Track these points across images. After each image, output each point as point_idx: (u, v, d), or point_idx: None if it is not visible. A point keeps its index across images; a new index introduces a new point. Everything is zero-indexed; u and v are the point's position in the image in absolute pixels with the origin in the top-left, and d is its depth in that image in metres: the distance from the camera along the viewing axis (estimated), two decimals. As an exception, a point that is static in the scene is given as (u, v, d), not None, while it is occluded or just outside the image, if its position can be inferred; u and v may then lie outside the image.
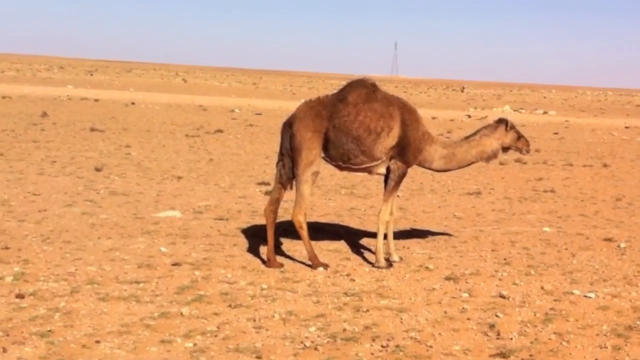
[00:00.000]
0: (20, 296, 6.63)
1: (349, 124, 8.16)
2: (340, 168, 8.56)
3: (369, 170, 8.53)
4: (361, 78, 8.66)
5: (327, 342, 5.94)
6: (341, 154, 8.27)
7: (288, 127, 8.33)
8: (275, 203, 8.39)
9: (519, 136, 8.91)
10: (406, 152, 8.37)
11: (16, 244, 8.45)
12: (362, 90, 8.39)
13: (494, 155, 8.86)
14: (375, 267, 8.30)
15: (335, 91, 8.69)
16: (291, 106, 42.29)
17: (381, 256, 8.36)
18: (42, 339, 5.67)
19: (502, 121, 8.85)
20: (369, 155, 8.26)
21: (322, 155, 8.29)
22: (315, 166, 8.22)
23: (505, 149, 8.93)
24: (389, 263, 8.40)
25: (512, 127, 8.86)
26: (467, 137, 8.89)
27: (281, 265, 8.18)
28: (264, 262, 8.29)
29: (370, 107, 8.25)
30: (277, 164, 8.42)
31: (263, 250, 8.82)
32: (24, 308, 6.36)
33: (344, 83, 8.80)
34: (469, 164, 8.94)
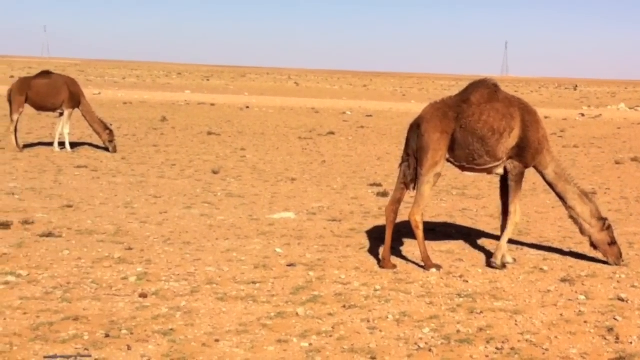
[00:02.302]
0: (143, 295, 6.91)
1: (474, 124, 8.19)
2: (464, 169, 8.57)
3: (489, 171, 8.51)
4: (483, 78, 8.68)
5: (441, 343, 5.96)
6: (467, 155, 8.29)
7: (415, 128, 8.40)
8: (396, 203, 8.46)
9: (612, 242, 8.53)
10: (525, 153, 8.33)
11: (139, 245, 8.80)
12: (485, 90, 8.41)
13: (576, 223, 8.61)
14: (492, 264, 8.28)
15: (457, 92, 8.72)
16: (401, 108, 42.38)
17: (500, 255, 8.35)
18: (165, 337, 5.90)
19: (602, 219, 8.53)
20: (492, 155, 8.27)
21: (447, 156, 8.32)
22: (439, 167, 8.27)
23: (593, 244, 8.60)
24: (503, 264, 8.34)
25: (609, 228, 8.52)
26: (578, 185, 8.71)
27: (394, 266, 8.23)
28: (378, 262, 8.35)
29: (493, 107, 8.26)
30: (401, 164, 8.49)
31: (376, 251, 8.89)
32: (147, 307, 6.62)
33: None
34: (563, 201, 8.71)
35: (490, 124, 8.19)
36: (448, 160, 8.41)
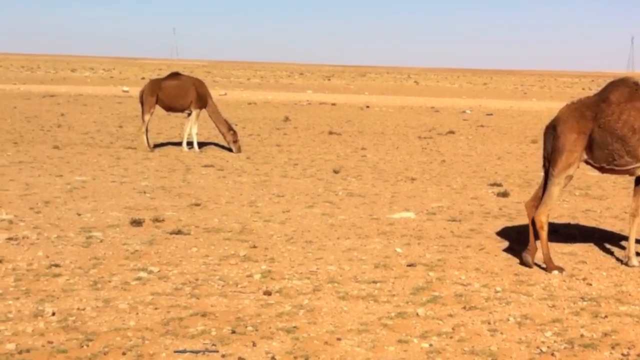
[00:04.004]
0: (267, 293, 7.13)
1: (613, 123, 8.05)
2: (603, 170, 8.44)
3: (632, 172, 8.33)
4: (623, 77, 8.58)
5: (564, 347, 5.90)
6: (606, 155, 8.16)
7: (551, 129, 8.35)
8: (536, 199, 8.43)
9: None
10: None
11: (263, 243, 9.06)
12: (625, 89, 8.26)
13: None
14: (629, 263, 8.23)
15: (595, 91, 8.62)
16: (522, 106, 41.62)
17: (633, 254, 8.25)
18: (288, 335, 6.08)
19: None
20: (633, 155, 8.10)
21: (585, 157, 8.23)
22: (571, 169, 8.19)
23: None
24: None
25: None
26: None
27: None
28: (499, 263, 8.31)
29: (634, 106, 8.09)
30: (543, 165, 8.48)
31: (496, 252, 8.85)
32: (271, 304, 6.82)
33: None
34: None
35: (631, 124, 8.01)
36: (587, 162, 8.32)
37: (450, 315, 6.62)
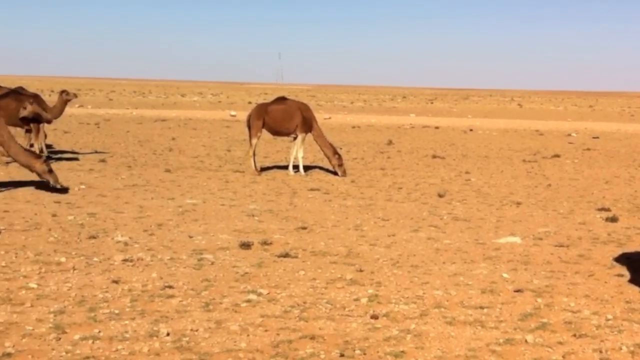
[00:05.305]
0: (374, 317, 7.20)
1: None
2: None
3: None
4: None
5: (678, 378, 5.76)
6: None
7: None
8: None
9: None
10: None
11: (369, 267, 9.15)
12: None
13: None
14: None
15: None
16: (630, 129, 40.43)
17: None
18: (396, 359, 6.15)
19: None
20: None
21: None
22: None
23: None
24: None
25: None
26: None
27: None
28: (609, 290, 8.15)
29: None
30: None
31: (606, 278, 8.68)
32: (378, 328, 6.89)
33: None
34: None
35: None
36: None
37: (560, 343, 6.55)
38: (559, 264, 9.54)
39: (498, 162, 22.48)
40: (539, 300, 7.83)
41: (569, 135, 34.92)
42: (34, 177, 14.49)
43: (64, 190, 14.17)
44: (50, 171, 14.19)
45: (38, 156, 14.71)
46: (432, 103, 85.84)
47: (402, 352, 6.29)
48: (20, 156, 14.31)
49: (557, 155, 24.17)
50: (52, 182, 14.09)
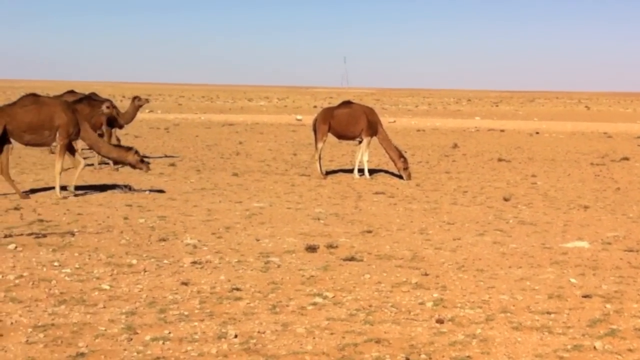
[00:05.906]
0: (440, 321, 7.21)
1: None
2: None
3: None
4: None
5: None
6: None
7: None
8: None
9: None
10: None
11: (434, 271, 9.14)
12: None
13: None
14: None
15: None
16: None
17: None
18: (462, 363, 6.17)
19: None
20: None
21: None
22: None
23: None
24: None
25: None
26: None
27: None
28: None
29: None
30: None
31: (679, 285, 8.53)
32: (443, 333, 6.89)
33: None
34: None
35: None
36: None
37: (630, 350, 6.46)
38: (629, 269, 9.40)
39: (565, 165, 22.18)
40: (608, 306, 7.73)
41: (639, 137, 34.20)
42: (106, 181, 14.86)
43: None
44: (142, 161, 15.24)
45: (129, 149, 15.43)
46: (497, 106, 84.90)
47: (468, 357, 6.29)
48: (112, 153, 15.32)
49: (626, 158, 23.73)
50: (144, 170, 15.31)
